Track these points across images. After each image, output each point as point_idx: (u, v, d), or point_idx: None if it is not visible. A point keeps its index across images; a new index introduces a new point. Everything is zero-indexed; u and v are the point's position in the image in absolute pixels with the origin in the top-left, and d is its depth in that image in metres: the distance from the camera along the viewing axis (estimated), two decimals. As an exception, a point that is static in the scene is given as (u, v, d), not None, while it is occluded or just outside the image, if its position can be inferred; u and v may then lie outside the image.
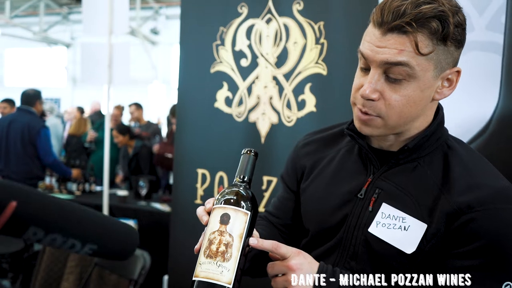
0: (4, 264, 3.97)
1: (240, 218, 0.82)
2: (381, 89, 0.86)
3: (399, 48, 0.81)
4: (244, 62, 2.16)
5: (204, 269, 0.79)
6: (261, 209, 2.13)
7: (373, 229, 0.91)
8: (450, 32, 0.81)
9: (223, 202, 0.84)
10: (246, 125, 2.17)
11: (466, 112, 1.77)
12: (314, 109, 2.03)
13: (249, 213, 0.84)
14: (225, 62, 2.21)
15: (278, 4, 2.08)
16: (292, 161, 1.14)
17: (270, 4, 2.10)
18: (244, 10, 2.16)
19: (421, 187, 0.91)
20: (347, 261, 0.95)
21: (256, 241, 0.85)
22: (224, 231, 0.81)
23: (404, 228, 0.89)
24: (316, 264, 0.87)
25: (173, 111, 4.49)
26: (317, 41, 2.02)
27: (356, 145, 1.02)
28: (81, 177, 4.33)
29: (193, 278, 0.79)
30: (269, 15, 2.11)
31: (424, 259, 0.88)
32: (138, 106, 6.37)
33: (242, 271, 0.82)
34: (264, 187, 2.13)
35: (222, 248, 0.80)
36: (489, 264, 0.83)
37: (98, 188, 4.40)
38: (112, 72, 3.54)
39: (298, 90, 2.06)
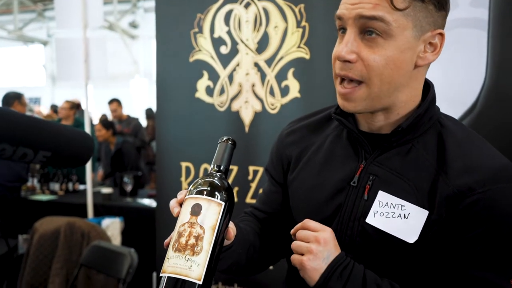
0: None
1: (212, 208, 0.76)
2: (358, 50, 0.81)
3: (374, 2, 0.77)
4: (224, 49, 2.09)
5: (172, 264, 0.72)
6: (248, 200, 2.07)
7: (370, 219, 0.85)
8: None
9: (195, 192, 0.78)
10: (229, 114, 2.10)
11: (453, 91, 1.73)
12: (298, 95, 1.97)
13: (223, 203, 0.77)
14: (204, 50, 2.13)
15: (256, -13, 2.01)
16: (276, 151, 1.08)
17: (248, -13, 2.03)
18: (222, -5, 2.08)
19: (418, 171, 0.85)
20: None
21: (232, 232, 0.81)
22: (195, 223, 0.75)
23: (404, 216, 0.84)
24: (339, 250, 0.84)
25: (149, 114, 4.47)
26: (298, 24, 1.96)
27: (344, 130, 0.96)
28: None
29: (160, 274, 0.73)
30: (247, -1, 2.03)
31: (427, 248, 0.83)
32: (118, 103, 6.28)
33: (215, 266, 0.76)
34: (250, 177, 2.07)
35: (192, 241, 0.73)
36: (498, 247, 0.79)
37: (81, 187, 4.30)
38: (89, 67, 3.43)
39: (281, 76, 2.00)
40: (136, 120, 6.48)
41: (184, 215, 0.76)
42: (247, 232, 0.99)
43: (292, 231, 0.88)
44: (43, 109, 8.30)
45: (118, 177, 4.11)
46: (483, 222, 0.78)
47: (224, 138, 0.86)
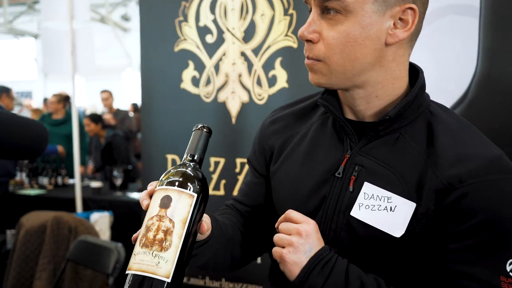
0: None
1: (183, 200, 0.71)
2: (320, 29, 0.78)
3: None
4: (210, 39, 2.03)
5: (138, 261, 0.68)
6: (236, 193, 2.03)
7: (355, 212, 0.81)
8: None
9: (166, 183, 0.73)
10: (216, 105, 2.05)
11: (444, 79, 1.69)
12: (286, 85, 1.92)
13: (195, 195, 0.73)
14: (189, 40, 2.07)
15: (243, -26, 1.95)
16: (259, 141, 1.02)
17: (234, -26, 1.97)
18: (207, -18, 2.02)
19: (406, 161, 0.81)
20: None
21: (206, 226, 0.77)
22: (164, 216, 0.70)
23: (391, 209, 0.79)
24: (322, 243, 0.80)
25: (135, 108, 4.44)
26: (285, 12, 1.90)
27: (330, 118, 0.91)
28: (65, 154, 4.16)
29: (126, 271, 0.68)
30: (233, -13, 1.97)
31: (414, 242, 0.79)
32: (110, 94, 6.28)
33: (186, 263, 0.72)
34: (237, 169, 2.03)
35: (160, 235, 0.69)
36: (489, 242, 0.74)
37: (71, 181, 4.24)
38: (76, 59, 3.36)
39: (268, 66, 1.95)
40: (124, 112, 6.48)
41: (153, 208, 0.71)
42: (225, 226, 0.95)
43: (277, 223, 0.84)
44: (33, 103, 8.21)
45: (108, 171, 4.05)
46: (472, 216, 0.74)
47: (199, 126, 0.81)
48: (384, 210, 0.79)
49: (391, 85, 0.82)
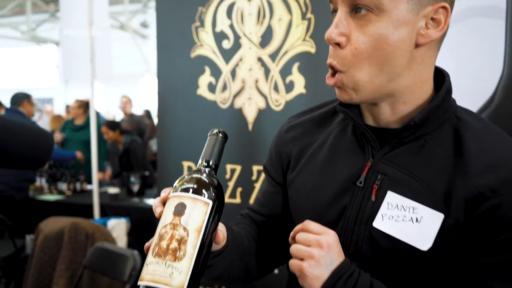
0: (-3, 270, 3.87)
1: (198, 208, 0.68)
2: (348, 32, 0.73)
3: None
4: (226, 44, 2.01)
5: (151, 271, 0.64)
6: (252, 201, 1.99)
7: (378, 223, 0.76)
8: None
9: (180, 190, 0.70)
10: (232, 111, 2.02)
11: (469, 84, 1.62)
12: (303, 91, 1.88)
13: (210, 202, 0.69)
14: (205, 45, 2.05)
15: (260, -22, 1.92)
16: (276, 148, 0.98)
17: (251, -21, 1.94)
18: (223, -12, 2.00)
19: (432, 169, 0.76)
20: None
21: (221, 236, 0.73)
22: (178, 224, 0.67)
23: (417, 220, 0.74)
24: (343, 256, 0.75)
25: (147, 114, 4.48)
26: (303, 16, 1.87)
27: (349, 125, 0.87)
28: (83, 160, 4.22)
29: (138, 282, 0.65)
30: (250, -9, 1.95)
31: (441, 256, 0.74)
32: (129, 99, 6.38)
33: (201, 274, 0.68)
34: (254, 177, 1.99)
35: (174, 244, 0.65)
36: None
37: (89, 187, 4.27)
38: (95, 66, 3.38)
39: (285, 71, 1.91)
40: (139, 117, 6.58)
41: (167, 216, 0.68)
42: (241, 236, 0.91)
43: (291, 234, 0.80)
44: (55, 109, 8.36)
45: (125, 177, 4.06)
46: (506, 228, 0.69)
47: (215, 131, 0.78)
48: (409, 221, 0.74)
49: (419, 89, 0.78)
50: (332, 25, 0.74)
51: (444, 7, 0.73)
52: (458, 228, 0.72)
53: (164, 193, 0.74)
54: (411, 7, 0.71)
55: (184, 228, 0.66)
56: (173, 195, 0.70)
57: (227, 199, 2.04)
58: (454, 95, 0.82)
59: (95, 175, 3.53)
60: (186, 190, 0.70)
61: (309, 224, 0.77)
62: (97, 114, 6.68)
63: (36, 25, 12.96)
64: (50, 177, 4.20)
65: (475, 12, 1.68)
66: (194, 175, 0.72)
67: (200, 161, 0.76)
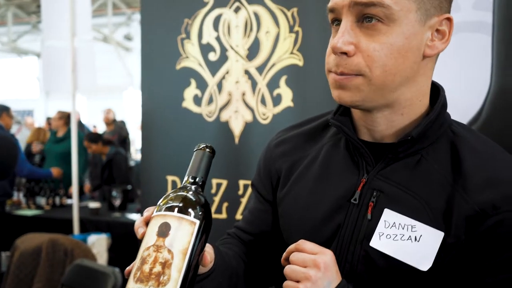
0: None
1: (184, 228, 0.64)
2: (356, 41, 0.70)
3: None
4: (213, 56, 1.98)
5: None
6: (238, 216, 1.94)
7: (375, 242, 0.73)
8: None
9: (164, 208, 0.66)
10: (218, 125, 1.98)
11: (457, 99, 1.62)
12: (291, 104, 1.86)
13: (197, 222, 0.65)
14: (191, 57, 2.02)
15: (247, -10, 1.90)
16: (264, 164, 0.94)
17: (238, -9, 1.92)
18: (210, -1, 1.98)
19: (429, 186, 0.73)
20: None
21: (209, 257, 0.68)
22: (162, 246, 0.62)
23: (415, 239, 0.71)
24: (340, 278, 0.71)
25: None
26: (291, 29, 1.85)
27: (342, 139, 0.84)
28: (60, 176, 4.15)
29: None
30: (237, 3, 1.93)
31: (441, 275, 0.71)
32: (111, 110, 6.34)
33: None
34: (240, 192, 1.95)
35: (157, 268, 0.60)
36: None
37: (69, 201, 4.15)
38: (77, 78, 3.32)
39: (272, 84, 1.89)
40: (120, 122, 6.58)
41: (150, 237, 0.63)
42: (229, 257, 0.87)
43: (284, 254, 0.76)
44: (35, 122, 8.19)
45: (106, 191, 3.97)
46: (510, 246, 0.67)
47: (202, 146, 0.74)
48: (408, 240, 0.71)
49: (418, 102, 0.76)
50: (338, 35, 0.70)
51: (448, 19, 0.72)
52: (459, 246, 0.70)
53: (147, 212, 0.69)
54: (419, 17, 0.69)
55: (169, 250, 0.62)
56: (156, 215, 0.66)
57: (213, 215, 1.98)
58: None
59: (75, 189, 3.43)
60: (171, 208, 0.65)
61: (304, 243, 0.73)
62: (82, 126, 6.60)
63: (17, 36, 12.79)
64: (28, 191, 4.07)
65: (463, 27, 1.68)
66: (180, 193, 0.68)
67: (186, 178, 0.72)
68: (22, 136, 6.91)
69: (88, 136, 4.67)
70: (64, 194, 4.15)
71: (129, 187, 4.07)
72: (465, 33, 1.68)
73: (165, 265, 0.61)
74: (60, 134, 4.84)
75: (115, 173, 4.41)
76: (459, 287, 0.71)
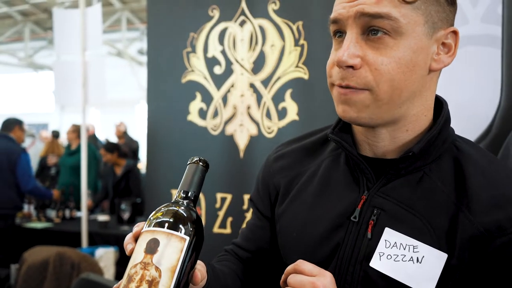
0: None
1: (173, 245, 0.61)
2: (362, 54, 0.67)
3: None
4: (218, 70, 1.97)
5: None
6: (243, 231, 1.92)
7: (375, 262, 0.70)
8: None
9: (154, 224, 0.64)
10: (223, 138, 1.97)
11: (465, 114, 1.58)
12: (296, 118, 1.84)
13: (187, 238, 0.63)
14: (197, 71, 2.02)
15: (252, 4, 1.91)
16: (263, 179, 0.92)
17: (244, 5, 1.92)
18: (216, 13, 1.98)
19: (432, 205, 0.70)
20: None
21: (199, 276, 0.66)
22: (149, 263, 0.60)
23: (417, 260, 0.68)
24: None
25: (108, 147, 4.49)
26: (296, 42, 1.84)
27: (342, 154, 0.81)
28: (61, 197, 4.12)
29: None
30: (242, 17, 1.93)
31: None
32: (125, 125, 6.37)
33: None
34: (245, 206, 1.92)
35: (144, 287, 0.58)
36: None
37: (78, 214, 4.17)
38: (88, 92, 3.35)
39: (278, 98, 1.87)
40: (134, 142, 6.56)
41: (138, 253, 0.61)
42: (224, 274, 0.84)
43: (283, 277, 0.72)
44: (49, 135, 8.30)
45: (116, 204, 3.97)
46: None
47: (195, 159, 0.72)
48: (409, 261, 0.68)
49: (424, 117, 0.73)
50: (343, 48, 0.68)
51: (454, 32, 0.70)
52: (463, 268, 0.67)
53: (137, 227, 0.67)
54: (427, 30, 0.67)
55: (156, 268, 0.60)
56: (145, 230, 0.64)
57: (217, 229, 1.96)
58: (451, 125, 0.78)
59: (84, 202, 3.44)
60: (160, 224, 0.63)
61: (302, 264, 0.69)
62: (96, 139, 6.65)
63: (33, 51, 13.05)
64: (38, 204, 4.10)
65: (471, 40, 1.65)
66: (170, 208, 0.66)
67: (177, 192, 0.70)
68: (36, 150, 6.99)
69: (105, 145, 4.71)
70: (74, 207, 4.17)
71: (138, 200, 4.06)
72: (473, 46, 1.65)
73: (152, 283, 0.59)
74: (74, 147, 4.89)
75: (132, 185, 4.41)
76: None
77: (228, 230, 1.94)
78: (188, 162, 0.72)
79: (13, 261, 3.43)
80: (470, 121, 1.60)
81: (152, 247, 0.61)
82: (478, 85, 1.62)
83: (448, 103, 0.80)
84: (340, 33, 0.71)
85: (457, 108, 1.63)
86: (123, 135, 6.55)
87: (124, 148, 5.81)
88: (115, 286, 0.64)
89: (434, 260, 0.67)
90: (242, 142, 1.94)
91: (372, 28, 0.66)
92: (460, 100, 1.63)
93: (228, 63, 1.96)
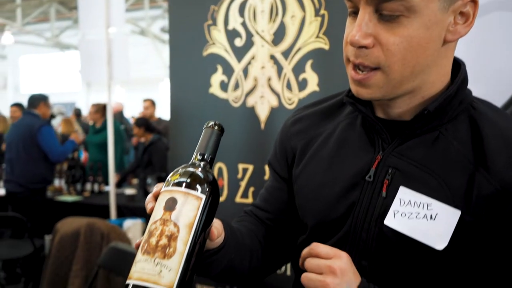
0: (17, 269, 3.93)
1: (190, 203, 0.65)
2: (375, 32, 0.68)
3: None
4: (239, 42, 1.99)
5: (139, 269, 0.62)
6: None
7: (390, 220, 0.72)
8: None
9: (172, 184, 0.68)
10: (244, 110, 1.99)
11: (490, 80, 1.55)
12: (317, 89, 1.84)
13: (203, 197, 0.66)
14: (218, 43, 2.03)
15: (272, -25, 1.90)
16: (280, 142, 0.95)
17: (264, -24, 1.92)
18: (236, -15, 1.98)
19: (448, 164, 0.72)
20: (356, 261, 0.74)
21: (216, 232, 0.69)
22: (168, 220, 0.64)
23: (431, 217, 0.70)
24: (358, 278, 0.70)
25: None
26: (316, 12, 1.83)
27: (359, 117, 0.83)
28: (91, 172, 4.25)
29: (127, 281, 0.63)
30: (263, -12, 1.92)
31: (460, 256, 0.69)
32: (152, 103, 6.30)
33: (193, 272, 0.65)
34: (266, 177, 1.95)
35: (164, 241, 0.62)
36: None
37: (107, 188, 4.31)
38: (112, 69, 3.41)
39: (298, 69, 1.88)
40: (166, 121, 6.51)
41: (157, 211, 0.66)
42: (242, 234, 0.88)
43: (300, 260, 0.74)
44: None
45: (141, 179, 4.08)
46: None
47: (210, 123, 0.75)
48: (423, 218, 0.70)
49: (440, 82, 0.74)
50: (355, 27, 0.69)
51: (473, 1, 0.69)
52: (479, 226, 0.68)
53: (156, 187, 0.71)
54: (442, 5, 0.67)
55: (175, 224, 0.64)
56: (164, 190, 0.68)
57: (239, 199, 2.01)
58: (475, 93, 0.78)
59: (112, 176, 3.55)
60: (178, 184, 0.67)
61: (317, 247, 0.71)
62: (122, 116, 6.70)
63: (59, 31, 13.24)
64: (69, 178, 4.26)
65: (495, 5, 1.61)
66: (188, 169, 0.70)
67: (194, 155, 0.74)
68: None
69: (137, 119, 4.85)
70: (103, 181, 4.31)
71: (163, 174, 4.16)
72: (497, 12, 1.61)
73: (171, 238, 0.63)
74: (98, 125, 5.01)
75: (154, 159, 4.51)
76: (482, 267, 0.69)
77: (250, 200, 1.98)
78: (204, 127, 0.76)
79: (47, 232, 3.60)
80: (494, 87, 1.57)
81: (171, 205, 0.65)
82: (503, 51, 1.59)
83: (470, 69, 0.80)
84: (355, 11, 0.71)
85: (480, 74, 1.60)
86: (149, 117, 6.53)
87: (156, 124, 5.85)
88: (137, 241, 0.68)
89: (448, 217, 0.68)
90: (263, 113, 1.96)
91: (383, 7, 0.66)
92: (485, 67, 1.60)
93: (249, 35, 1.97)
